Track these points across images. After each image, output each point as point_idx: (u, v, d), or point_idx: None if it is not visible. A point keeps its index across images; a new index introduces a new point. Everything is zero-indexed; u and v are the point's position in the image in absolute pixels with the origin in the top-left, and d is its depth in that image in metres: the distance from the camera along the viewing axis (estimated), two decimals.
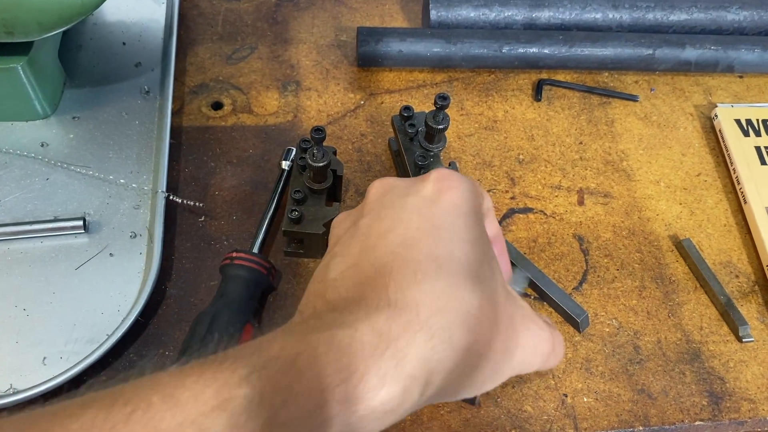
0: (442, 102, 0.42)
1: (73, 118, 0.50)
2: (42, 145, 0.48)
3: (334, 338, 0.26)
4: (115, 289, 0.43)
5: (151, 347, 0.41)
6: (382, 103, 0.53)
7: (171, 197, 0.45)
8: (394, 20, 0.59)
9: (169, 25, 0.55)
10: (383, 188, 0.34)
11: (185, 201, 0.45)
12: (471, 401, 0.40)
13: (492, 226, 0.35)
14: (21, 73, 0.46)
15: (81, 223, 0.44)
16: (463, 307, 0.28)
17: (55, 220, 0.44)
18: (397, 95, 0.54)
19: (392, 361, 0.26)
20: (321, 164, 0.41)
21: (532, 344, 0.33)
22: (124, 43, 0.54)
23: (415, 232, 0.30)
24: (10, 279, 0.42)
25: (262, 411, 0.24)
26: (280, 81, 0.54)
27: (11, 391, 0.38)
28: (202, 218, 0.46)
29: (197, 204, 0.45)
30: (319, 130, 0.40)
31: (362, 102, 0.53)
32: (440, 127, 0.44)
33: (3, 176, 0.47)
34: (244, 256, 0.41)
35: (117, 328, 0.40)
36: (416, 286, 0.28)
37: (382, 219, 0.32)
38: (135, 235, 0.45)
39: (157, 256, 0.42)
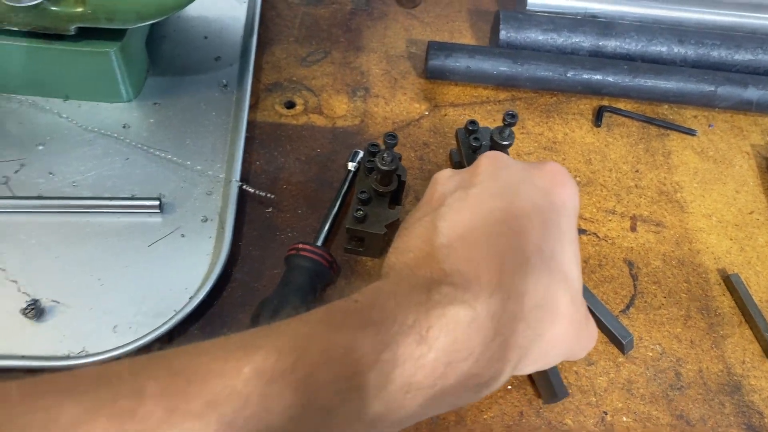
0: (510, 119, 0.44)
1: (154, 104, 0.53)
2: (124, 127, 0.51)
3: (457, 316, 0.28)
4: (184, 268, 0.45)
5: (216, 326, 0.43)
6: (445, 115, 0.55)
7: (244, 187, 0.47)
8: (462, 37, 0.61)
9: (249, 23, 0.57)
10: (497, 163, 0.35)
11: (257, 191, 0.47)
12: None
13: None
14: (113, 57, 0.49)
15: (157, 203, 0.46)
16: (557, 305, 0.30)
17: (133, 198, 0.47)
18: (461, 109, 0.56)
19: (500, 348, 0.28)
20: (390, 168, 0.43)
21: (587, 339, 0.35)
22: (205, 37, 0.57)
23: (526, 221, 0.32)
24: (88, 249, 0.45)
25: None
26: (350, 86, 0.56)
27: (84, 353, 0.41)
28: (270, 209, 0.48)
29: (268, 195, 0.48)
30: (392, 136, 0.42)
31: (427, 113, 0.55)
32: (505, 143, 0.45)
33: (87, 152, 0.50)
34: (309, 248, 0.43)
35: (185, 306, 0.42)
36: (525, 277, 0.29)
37: (495, 196, 0.32)
38: (206, 219, 0.47)
39: (228, 241, 0.45)
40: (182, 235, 0.46)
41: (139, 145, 0.50)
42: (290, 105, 0.54)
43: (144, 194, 0.48)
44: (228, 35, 0.58)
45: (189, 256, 0.46)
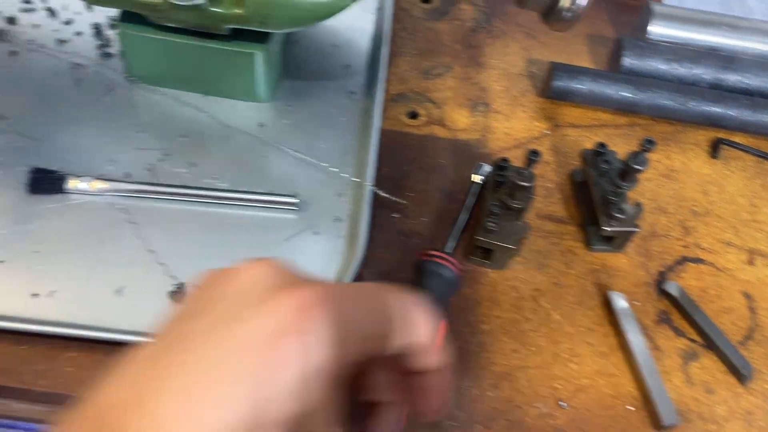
0: (648, 145, 0.45)
1: (287, 105, 0.55)
2: (260, 126, 0.54)
3: None
4: (317, 265, 0.47)
5: None
6: (565, 135, 0.56)
7: (377, 191, 0.49)
8: (580, 60, 0.62)
9: (377, 35, 0.59)
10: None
11: (390, 197, 0.49)
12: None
13: None
14: (257, 59, 0.52)
15: (296, 201, 0.48)
16: None
17: (272, 194, 0.49)
18: (580, 130, 0.57)
19: None
20: (528, 184, 0.45)
21: None
22: (334, 46, 0.60)
23: None
24: (229, 239, 0.47)
25: None
26: (470, 100, 0.58)
27: None
28: (396, 215, 0.50)
29: (400, 201, 0.49)
30: (534, 153, 0.44)
31: (547, 132, 0.56)
32: (639, 167, 0.46)
33: (225, 147, 0.52)
34: (443, 256, 0.45)
35: None
36: None
37: None
38: (337, 220, 0.49)
39: (363, 243, 0.46)
40: (315, 233, 0.48)
41: (275, 144, 0.52)
42: (414, 115, 0.56)
43: (278, 191, 0.50)
44: (356, 45, 0.60)
45: (322, 253, 0.48)
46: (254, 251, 0.47)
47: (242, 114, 0.54)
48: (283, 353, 0.24)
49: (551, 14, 0.45)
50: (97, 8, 0.58)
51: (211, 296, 0.27)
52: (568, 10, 0.44)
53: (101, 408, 0.24)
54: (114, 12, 0.58)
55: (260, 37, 0.51)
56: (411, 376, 0.31)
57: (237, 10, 0.48)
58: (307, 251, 0.47)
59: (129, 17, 0.51)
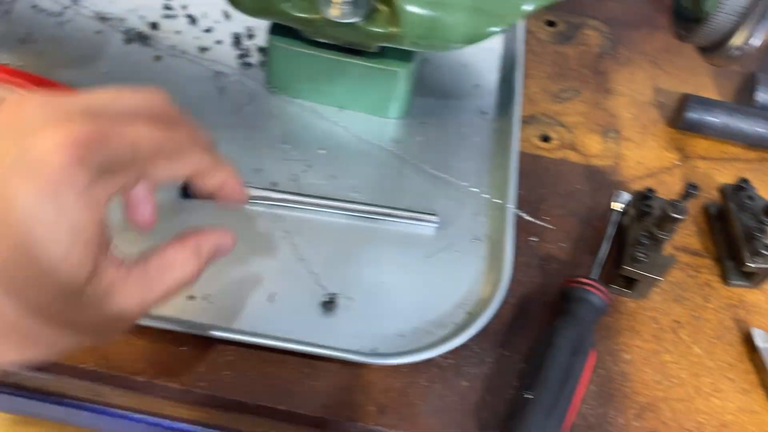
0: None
1: (420, 123, 0.56)
2: (394, 141, 0.54)
3: None
4: (460, 284, 0.47)
5: (492, 344, 0.45)
6: (695, 167, 0.56)
7: (521, 214, 0.49)
8: (705, 91, 0.61)
9: (508, 56, 0.60)
10: None
11: (536, 221, 0.49)
12: None
13: None
14: (400, 77, 0.52)
15: (437, 219, 0.49)
16: None
17: (414, 211, 0.49)
18: (710, 163, 0.57)
19: None
20: (680, 217, 0.45)
21: None
22: (463, 65, 0.60)
23: None
24: (371, 253, 0.48)
25: None
26: (601, 126, 0.58)
27: (375, 352, 0.43)
28: (535, 238, 0.50)
29: (547, 225, 0.50)
30: (693, 186, 0.44)
31: (678, 162, 0.56)
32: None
33: (363, 161, 0.53)
34: (592, 283, 0.45)
35: (466, 321, 0.44)
36: None
37: None
38: (476, 239, 0.49)
39: (509, 266, 0.46)
40: (456, 251, 0.49)
41: (410, 160, 0.53)
42: (546, 139, 0.56)
43: (414, 207, 0.50)
44: (485, 65, 0.60)
45: (462, 272, 0.48)
46: (397, 266, 0.47)
47: (377, 129, 0.55)
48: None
49: (717, 50, 0.45)
50: (235, 18, 0.60)
51: None
52: (738, 48, 0.44)
53: None
54: (252, 23, 0.60)
55: (405, 56, 0.52)
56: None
57: (392, 29, 0.49)
58: (448, 269, 0.48)
59: (279, 30, 0.52)
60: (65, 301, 0.27)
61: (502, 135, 0.55)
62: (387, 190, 0.51)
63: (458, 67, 0.60)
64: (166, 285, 0.31)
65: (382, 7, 0.49)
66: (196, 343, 0.43)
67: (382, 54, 0.52)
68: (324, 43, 0.52)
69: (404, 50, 0.52)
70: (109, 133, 0.27)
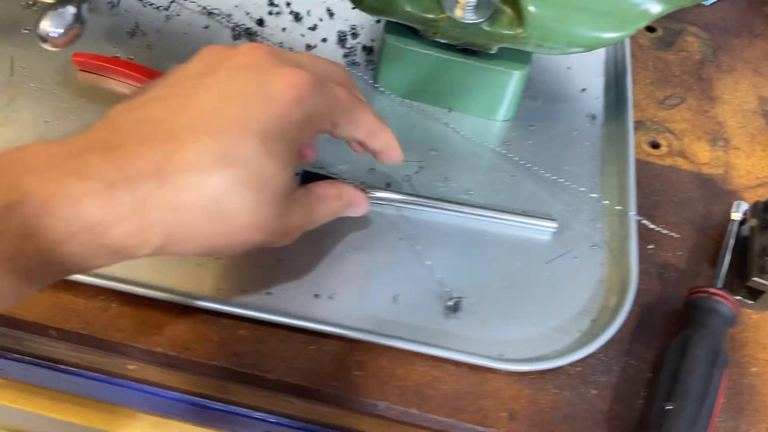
0: None
1: (529, 126, 0.55)
2: (505, 144, 0.54)
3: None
4: (581, 291, 0.46)
5: (618, 353, 0.44)
6: None
7: (644, 222, 0.49)
8: None
9: (615, 60, 0.59)
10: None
11: (661, 229, 0.49)
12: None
13: None
14: (515, 78, 0.52)
15: (556, 224, 0.48)
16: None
17: (532, 215, 0.49)
18: None
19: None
20: None
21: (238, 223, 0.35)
22: (568, 68, 0.60)
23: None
24: (490, 256, 0.47)
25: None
26: (709, 134, 0.57)
27: (502, 357, 0.43)
28: (652, 246, 0.49)
29: (671, 234, 0.49)
30: None
31: None
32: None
33: (475, 164, 0.52)
34: (721, 293, 0.44)
35: (598, 331, 0.43)
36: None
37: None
38: (594, 246, 0.49)
39: (634, 275, 0.46)
40: (574, 257, 0.48)
41: (523, 164, 0.52)
42: (655, 145, 0.56)
43: (530, 211, 0.49)
44: (590, 69, 0.60)
45: (582, 279, 0.47)
46: (517, 271, 0.47)
47: (486, 131, 0.54)
48: (281, 104, 0.33)
49: None
50: (339, 16, 0.60)
51: (213, 63, 0.35)
52: None
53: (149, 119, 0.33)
54: (356, 21, 0.59)
55: (522, 57, 0.52)
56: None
57: (516, 31, 0.48)
58: (568, 276, 0.47)
59: (394, 29, 0.52)
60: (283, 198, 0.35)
61: (613, 140, 0.54)
62: (500, 193, 0.51)
63: (563, 71, 0.59)
64: (321, 213, 0.41)
65: (506, 9, 0.49)
66: (321, 342, 0.42)
67: (499, 55, 0.51)
68: (440, 43, 0.51)
69: (521, 52, 0.52)
70: (323, 84, 0.35)
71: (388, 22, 0.52)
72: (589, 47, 0.48)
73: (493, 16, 0.49)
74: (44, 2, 0.43)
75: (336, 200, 0.42)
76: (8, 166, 0.29)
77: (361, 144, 0.41)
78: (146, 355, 0.41)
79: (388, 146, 0.42)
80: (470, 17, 0.48)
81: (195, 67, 0.35)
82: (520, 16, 0.48)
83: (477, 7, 0.48)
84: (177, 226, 0.32)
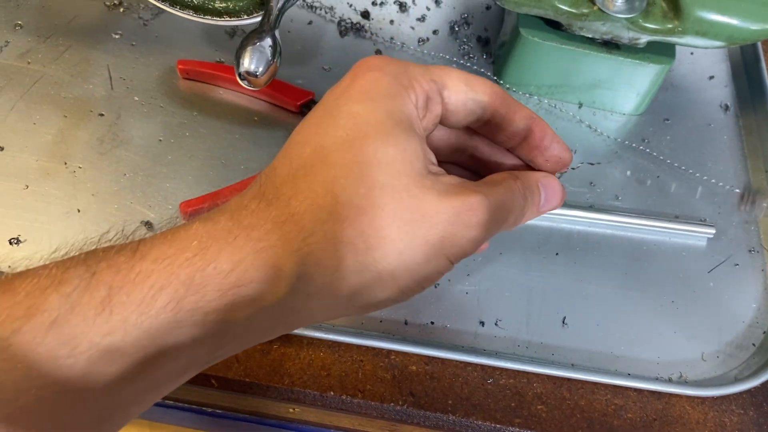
0: None
1: (664, 120, 0.52)
2: (643, 140, 0.51)
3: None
4: (747, 300, 0.44)
5: None
6: None
7: None
8: None
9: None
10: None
11: None
12: None
13: None
14: (661, 72, 0.48)
15: (713, 229, 0.46)
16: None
17: (687, 221, 0.46)
18: None
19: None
20: None
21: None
22: (691, 53, 0.56)
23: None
24: (646, 267, 0.45)
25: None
26: None
27: (682, 379, 0.41)
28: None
29: None
30: None
31: None
32: None
33: (619, 164, 0.49)
34: None
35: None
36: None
37: None
38: (752, 251, 0.46)
39: None
40: (735, 264, 0.46)
41: (665, 162, 0.49)
42: None
43: (682, 214, 0.47)
44: (713, 53, 0.56)
45: (746, 287, 0.45)
46: (680, 282, 0.44)
47: (622, 127, 0.51)
48: None
49: None
50: (446, 4, 0.55)
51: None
52: None
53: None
54: (466, 9, 0.55)
55: (668, 50, 0.48)
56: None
57: (671, 24, 0.45)
58: (732, 285, 0.45)
59: (529, 22, 0.48)
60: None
61: (753, 133, 0.51)
62: (649, 196, 0.48)
63: (687, 56, 0.56)
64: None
65: (660, 1, 0.45)
66: (497, 376, 0.40)
67: (643, 48, 0.48)
68: (580, 37, 0.47)
69: (665, 44, 0.48)
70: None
71: (518, 15, 0.48)
72: (747, 40, 0.45)
73: (647, 9, 0.45)
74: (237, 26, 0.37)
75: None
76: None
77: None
78: (318, 400, 0.39)
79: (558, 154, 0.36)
80: (622, 10, 0.45)
81: None
82: (676, 8, 0.44)
83: (630, 1, 0.45)
84: None
